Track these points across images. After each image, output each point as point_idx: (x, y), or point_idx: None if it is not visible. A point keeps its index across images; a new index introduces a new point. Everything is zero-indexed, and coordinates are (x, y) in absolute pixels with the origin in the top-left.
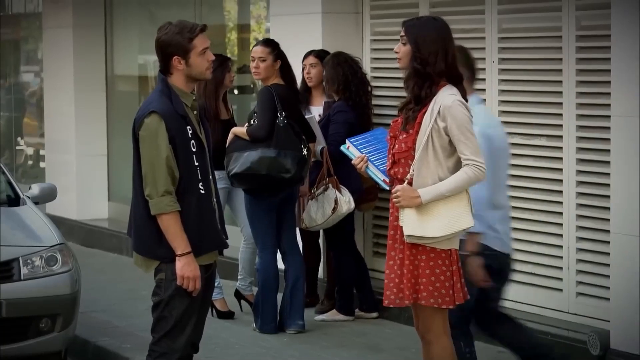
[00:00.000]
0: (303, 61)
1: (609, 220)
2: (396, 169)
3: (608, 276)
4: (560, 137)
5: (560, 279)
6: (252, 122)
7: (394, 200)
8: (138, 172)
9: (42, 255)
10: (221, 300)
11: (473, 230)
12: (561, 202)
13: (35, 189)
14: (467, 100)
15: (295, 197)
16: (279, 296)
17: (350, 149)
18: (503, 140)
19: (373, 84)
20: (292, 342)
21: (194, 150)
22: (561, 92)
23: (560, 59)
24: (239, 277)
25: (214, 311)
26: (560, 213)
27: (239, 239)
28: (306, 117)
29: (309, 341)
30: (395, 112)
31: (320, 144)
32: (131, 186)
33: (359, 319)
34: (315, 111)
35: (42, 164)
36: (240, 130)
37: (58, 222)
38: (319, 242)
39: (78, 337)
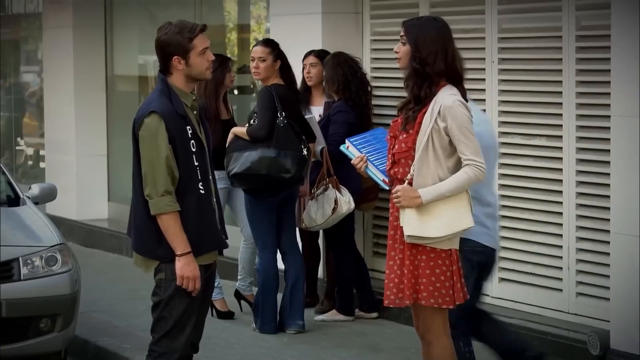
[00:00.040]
0: (303, 61)
1: (608, 220)
2: (396, 169)
3: (608, 276)
4: (560, 137)
5: (560, 279)
6: (252, 122)
7: (395, 200)
8: (138, 172)
9: (42, 255)
10: (221, 300)
11: None
12: (561, 202)
13: (35, 189)
14: (467, 100)
15: (295, 197)
16: (279, 296)
17: (350, 148)
18: (491, 138)
19: (373, 84)
20: (292, 342)
21: (193, 150)
22: (561, 92)
23: (560, 59)
24: (238, 277)
25: (214, 311)
26: (560, 213)
27: (239, 239)
28: (306, 117)
29: (309, 341)
30: (395, 112)
31: (320, 144)
32: (131, 186)
33: (359, 319)
34: (316, 111)
35: (42, 164)
36: (240, 130)
37: (58, 222)
38: (318, 242)
39: (78, 337)
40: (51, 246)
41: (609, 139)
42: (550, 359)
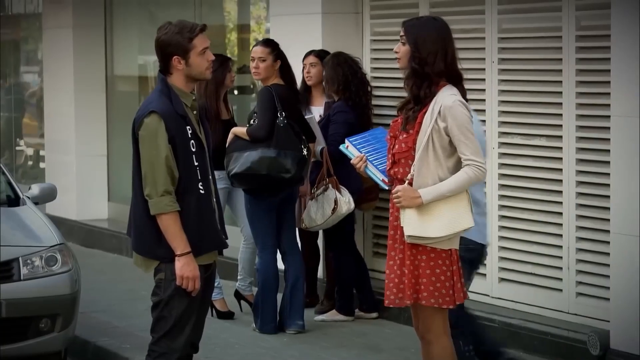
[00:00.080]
0: (303, 61)
1: (608, 220)
2: (396, 169)
3: (608, 276)
4: (560, 137)
5: (560, 279)
6: (252, 122)
7: (395, 200)
8: (138, 172)
9: (42, 255)
10: (221, 301)
11: None
12: (561, 202)
13: (35, 189)
14: (467, 100)
15: (295, 197)
16: (279, 296)
17: (350, 148)
18: (480, 136)
19: (373, 84)
20: (292, 342)
21: (193, 150)
22: (561, 92)
23: (560, 59)
24: (238, 277)
25: (214, 311)
26: (560, 213)
27: (238, 239)
28: (306, 117)
29: (309, 341)
30: (395, 112)
31: (320, 144)
32: (131, 186)
33: (359, 319)
34: (316, 111)
35: (42, 165)
36: (240, 130)
37: (58, 222)
38: (317, 243)
39: (78, 337)
40: (51, 246)
41: (609, 139)
42: (550, 359)
